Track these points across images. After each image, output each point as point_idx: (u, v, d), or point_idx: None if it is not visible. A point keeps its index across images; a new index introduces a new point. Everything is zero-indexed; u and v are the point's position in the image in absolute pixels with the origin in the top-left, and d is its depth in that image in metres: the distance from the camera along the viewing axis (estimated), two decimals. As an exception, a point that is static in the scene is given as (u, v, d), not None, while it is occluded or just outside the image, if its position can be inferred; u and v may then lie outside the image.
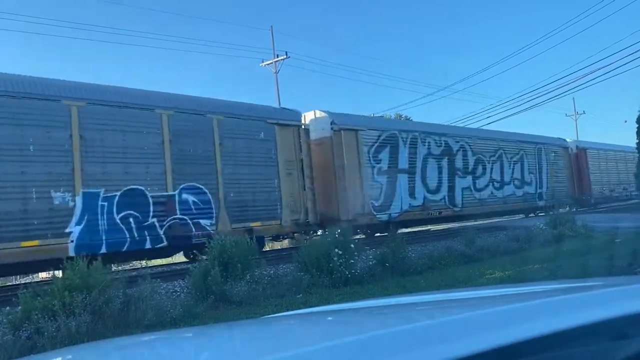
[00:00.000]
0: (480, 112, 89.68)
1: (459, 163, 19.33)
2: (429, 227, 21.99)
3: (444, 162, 18.64)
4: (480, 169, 20.35)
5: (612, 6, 67.11)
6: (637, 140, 25.64)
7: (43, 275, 12.24)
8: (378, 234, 16.45)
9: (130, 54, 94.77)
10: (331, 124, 15.23)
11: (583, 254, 9.97)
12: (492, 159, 21.11)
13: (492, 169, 20.96)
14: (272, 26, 30.31)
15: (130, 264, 13.11)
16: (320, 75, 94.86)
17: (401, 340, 0.94)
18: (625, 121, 67.41)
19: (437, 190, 18.16)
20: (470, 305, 1.50)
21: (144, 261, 10.63)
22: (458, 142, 19.48)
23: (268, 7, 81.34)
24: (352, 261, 9.44)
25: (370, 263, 10.22)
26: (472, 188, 19.74)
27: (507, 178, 21.75)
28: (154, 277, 8.00)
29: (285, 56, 29.95)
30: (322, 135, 15.36)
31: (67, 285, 6.47)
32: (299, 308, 4.73)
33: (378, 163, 16.22)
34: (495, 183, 21.02)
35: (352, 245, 9.80)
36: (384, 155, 16.52)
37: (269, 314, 4.09)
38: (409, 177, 17.12)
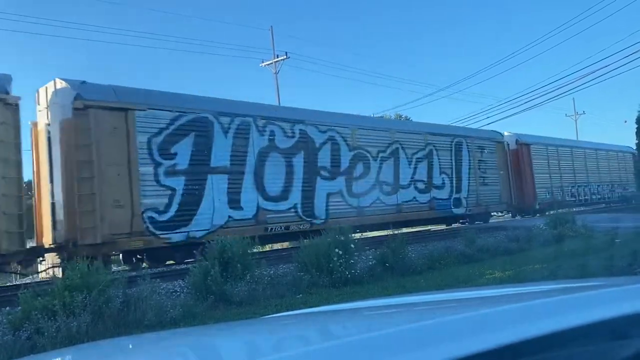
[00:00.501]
0: (479, 112, 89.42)
1: (324, 160, 14.64)
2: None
3: (298, 159, 13.97)
4: (361, 168, 15.63)
5: (611, 7, 67.14)
6: (637, 141, 25.70)
7: (43, 275, 12.22)
8: (173, 261, 11.89)
9: (129, 54, 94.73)
10: (75, 99, 10.41)
11: (583, 254, 9.98)
12: (382, 155, 16.33)
13: (380, 168, 16.19)
14: (272, 26, 30.35)
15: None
16: (320, 75, 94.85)
17: (401, 340, 0.94)
18: (625, 121, 67.49)
19: (283, 196, 13.53)
20: (471, 305, 1.50)
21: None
22: (324, 132, 14.79)
23: (268, 7, 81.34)
24: (352, 261, 9.44)
25: (370, 263, 10.22)
26: (344, 193, 15.03)
27: (404, 180, 16.91)
28: (153, 277, 8.01)
29: (285, 56, 29.99)
30: (64, 117, 10.60)
31: (67, 285, 6.47)
32: (299, 308, 4.73)
33: (170, 159, 11.50)
34: (385, 186, 16.20)
35: (352, 245, 9.81)
36: (183, 147, 11.78)
37: (269, 314, 4.09)
38: (230, 179, 12.47)
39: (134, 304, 6.89)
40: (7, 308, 6.97)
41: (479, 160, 20.13)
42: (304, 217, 14.02)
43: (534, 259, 10.21)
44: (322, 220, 14.29)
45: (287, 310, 4.52)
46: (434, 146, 18.29)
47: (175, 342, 1.46)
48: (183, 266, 11.79)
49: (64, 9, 69.90)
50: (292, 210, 13.81)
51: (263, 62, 30.85)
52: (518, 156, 22.59)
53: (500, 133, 22.34)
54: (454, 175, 18.92)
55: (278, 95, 29.60)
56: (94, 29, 76.96)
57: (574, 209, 24.93)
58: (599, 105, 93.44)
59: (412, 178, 17.30)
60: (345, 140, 15.42)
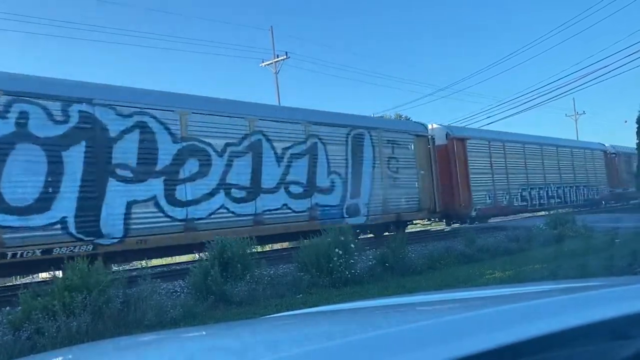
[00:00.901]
0: (479, 112, 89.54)
1: (126, 155, 10.56)
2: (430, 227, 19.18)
3: (75, 153, 9.89)
4: (194, 166, 11.47)
5: (611, 7, 67.22)
6: (637, 140, 25.61)
7: (43, 275, 12.22)
8: None
9: (130, 54, 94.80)
10: None
11: (583, 254, 9.99)
12: (234, 149, 12.19)
13: (230, 166, 12.06)
14: (272, 26, 30.35)
15: (131, 264, 13.11)
16: (320, 75, 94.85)
17: (401, 340, 0.94)
18: (626, 121, 67.52)
19: (40, 207, 9.40)
20: (471, 305, 1.50)
21: (144, 261, 10.57)
22: (129, 116, 10.70)
23: (268, 7, 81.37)
24: (352, 261, 9.45)
25: (370, 263, 10.24)
26: (162, 201, 10.87)
27: (269, 181, 12.78)
28: (154, 277, 8.02)
29: (285, 56, 30.01)
30: None
31: (67, 286, 6.48)
32: (299, 308, 4.73)
33: None
34: (235, 190, 12.10)
35: (352, 245, 9.82)
36: None
37: (269, 314, 4.09)
38: None
39: (134, 304, 6.89)
40: (7, 308, 6.98)
41: (389, 157, 16.08)
42: (79, 236, 9.79)
43: (534, 259, 10.22)
44: (117, 239, 10.25)
45: (287, 310, 4.53)
46: (319, 139, 14.14)
47: (175, 342, 1.46)
48: (183, 266, 11.81)
49: (66, 8, 69.97)
50: (58, 226, 9.56)
51: (263, 62, 30.90)
52: (448, 153, 18.63)
53: (423, 125, 18.41)
54: (349, 176, 14.78)
55: (278, 95, 29.61)
56: (94, 29, 76.99)
57: (526, 215, 22.00)
58: (599, 105, 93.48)
59: (282, 179, 13.15)
60: (168, 129, 11.16)
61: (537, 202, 22.86)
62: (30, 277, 13.01)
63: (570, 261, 9.50)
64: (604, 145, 30.42)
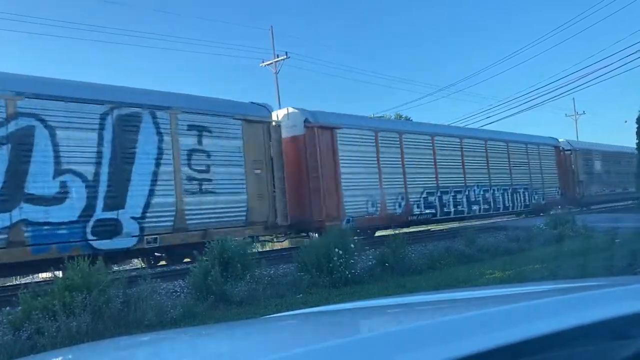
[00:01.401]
0: (479, 112, 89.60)
1: None
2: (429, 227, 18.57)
3: None
4: None
5: (611, 7, 67.24)
6: (637, 140, 25.59)
7: (43, 275, 12.21)
8: None
9: (130, 54, 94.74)
10: None
11: (583, 254, 9.99)
12: None
13: None
14: (272, 26, 30.31)
15: (130, 264, 13.10)
16: (320, 75, 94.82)
17: (401, 340, 0.94)
18: (626, 121, 67.48)
19: None
20: (471, 305, 1.50)
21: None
22: None
23: (268, 7, 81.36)
24: (352, 261, 9.45)
25: (370, 263, 10.24)
26: None
27: None
28: (154, 277, 8.02)
29: (285, 56, 30.01)
30: None
31: (67, 285, 6.48)
32: (299, 308, 4.73)
33: None
34: None
35: (352, 245, 9.82)
36: None
37: (269, 314, 4.10)
38: None
39: (134, 304, 6.90)
40: (7, 308, 6.98)
41: (192, 150, 11.45)
42: None
43: (534, 259, 10.22)
44: None
45: (287, 310, 4.53)
46: (40, 120, 9.48)
47: (175, 342, 1.46)
48: (183, 266, 11.79)
49: (66, 8, 70.02)
50: None
51: (263, 62, 30.90)
52: (306, 146, 13.94)
53: (261, 106, 13.24)
54: (103, 178, 10.13)
55: (278, 95, 29.57)
56: (94, 29, 77.01)
57: (429, 227, 17.57)
58: (599, 105, 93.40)
59: None
60: None
61: (452, 210, 18.00)
62: (31, 277, 12.99)
63: (570, 261, 9.50)
64: (557, 139, 25.46)
